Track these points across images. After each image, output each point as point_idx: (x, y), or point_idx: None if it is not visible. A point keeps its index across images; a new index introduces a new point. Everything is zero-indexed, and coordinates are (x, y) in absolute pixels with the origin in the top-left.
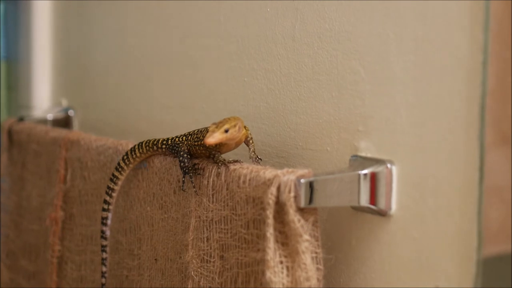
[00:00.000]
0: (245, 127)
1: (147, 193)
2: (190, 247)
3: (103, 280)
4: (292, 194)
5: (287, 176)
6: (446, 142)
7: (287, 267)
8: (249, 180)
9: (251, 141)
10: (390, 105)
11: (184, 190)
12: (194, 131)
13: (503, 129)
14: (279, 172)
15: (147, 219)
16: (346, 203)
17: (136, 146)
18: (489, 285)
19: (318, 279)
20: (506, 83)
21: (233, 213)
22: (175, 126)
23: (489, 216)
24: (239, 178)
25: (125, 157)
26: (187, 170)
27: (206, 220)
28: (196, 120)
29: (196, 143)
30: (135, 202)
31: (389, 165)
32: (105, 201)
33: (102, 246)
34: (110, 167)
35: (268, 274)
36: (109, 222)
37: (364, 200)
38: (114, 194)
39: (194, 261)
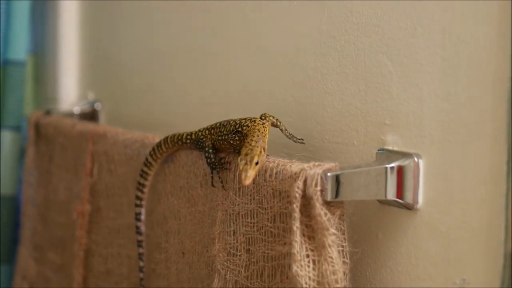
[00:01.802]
0: (265, 116)
1: (174, 186)
2: (216, 240)
3: (141, 275)
4: (318, 187)
5: (314, 169)
6: (473, 135)
7: (314, 261)
8: (276, 173)
9: (279, 123)
10: (417, 98)
11: (213, 186)
12: (216, 124)
13: None
14: (305, 165)
15: (174, 213)
16: (373, 196)
17: (162, 141)
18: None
19: (344, 273)
20: None
21: (259, 207)
22: (201, 119)
23: None
24: (266, 171)
25: (152, 152)
26: (213, 166)
27: (233, 214)
28: (223, 113)
29: (220, 138)
30: (162, 196)
31: (416, 159)
32: (137, 197)
33: (138, 241)
34: (136, 160)
35: (295, 267)
36: (142, 217)
37: (391, 194)
38: (145, 190)
39: (220, 254)
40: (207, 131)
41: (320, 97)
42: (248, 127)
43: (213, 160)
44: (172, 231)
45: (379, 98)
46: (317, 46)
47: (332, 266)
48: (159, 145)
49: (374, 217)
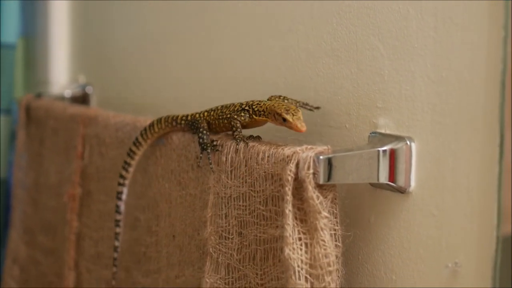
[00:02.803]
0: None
1: (165, 170)
2: (208, 223)
3: (115, 255)
4: (311, 170)
5: (306, 152)
6: (466, 118)
7: (306, 244)
8: (268, 156)
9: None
10: (409, 81)
11: (200, 167)
12: (216, 107)
13: None
14: (298, 148)
15: (165, 196)
16: (365, 180)
17: (155, 122)
18: (508, 263)
19: (336, 256)
20: None
21: (251, 190)
22: (192, 103)
23: (505, 195)
24: (258, 154)
25: (143, 132)
26: (205, 147)
27: (225, 197)
28: (214, 96)
29: (221, 117)
30: (153, 179)
31: (408, 142)
32: (121, 176)
33: (116, 220)
34: (128, 143)
35: (287, 250)
36: (124, 196)
37: (383, 177)
38: (130, 169)
39: (212, 237)
40: (205, 113)
41: (312, 80)
42: (259, 104)
43: (205, 141)
44: (163, 215)
45: (371, 81)
46: (309, 29)
47: (324, 249)
48: (151, 125)
49: (366, 200)
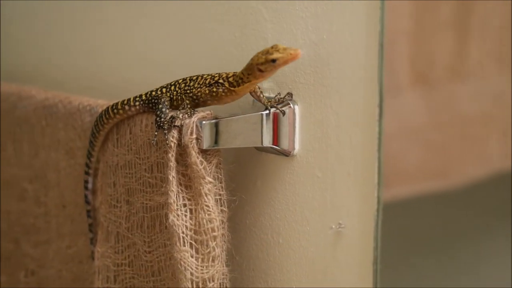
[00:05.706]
0: None
1: (52, 139)
2: (99, 192)
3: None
4: (194, 136)
5: (189, 118)
6: (347, 79)
7: (190, 210)
8: (152, 123)
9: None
10: (292, 43)
11: (155, 145)
12: (177, 81)
13: (419, 69)
14: (180, 114)
15: (53, 166)
16: (250, 144)
17: (103, 112)
18: (390, 222)
19: (222, 221)
20: (422, 24)
21: (137, 157)
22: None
23: (406, 158)
24: (142, 121)
25: (95, 123)
26: (161, 124)
27: (112, 165)
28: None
29: (194, 91)
30: (39, 149)
31: (291, 105)
32: (86, 165)
33: (87, 211)
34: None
35: (171, 217)
36: (90, 186)
37: (267, 141)
38: (93, 159)
39: (103, 206)
40: (164, 89)
41: (200, 46)
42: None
43: (162, 119)
44: (51, 185)
45: (255, 45)
46: None
47: (209, 215)
48: (100, 116)
49: (252, 165)
